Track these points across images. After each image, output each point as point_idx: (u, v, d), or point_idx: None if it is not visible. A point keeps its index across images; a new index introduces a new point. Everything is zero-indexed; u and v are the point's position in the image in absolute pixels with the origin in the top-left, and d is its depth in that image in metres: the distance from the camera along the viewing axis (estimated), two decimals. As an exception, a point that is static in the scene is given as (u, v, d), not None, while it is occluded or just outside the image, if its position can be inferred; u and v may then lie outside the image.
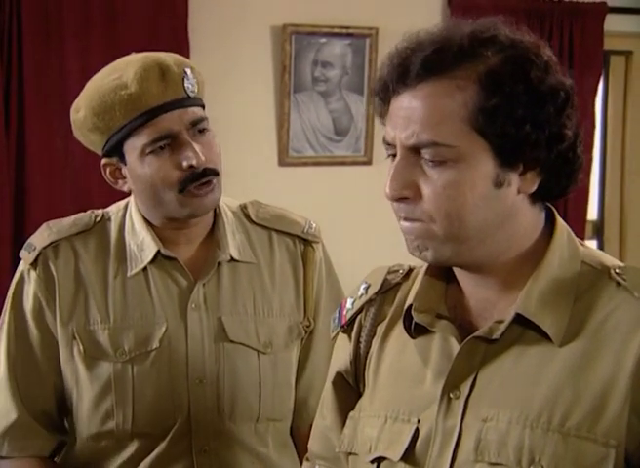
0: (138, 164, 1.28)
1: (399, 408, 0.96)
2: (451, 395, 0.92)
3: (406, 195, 0.90)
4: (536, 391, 0.89)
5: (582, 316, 0.90)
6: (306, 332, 1.39)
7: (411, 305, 0.97)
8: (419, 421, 0.93)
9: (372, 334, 1.03)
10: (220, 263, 1.34)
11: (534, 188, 0.91)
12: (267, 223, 1.41)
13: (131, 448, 1.30)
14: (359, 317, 1.05)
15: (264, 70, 2.88)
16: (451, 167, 0.88)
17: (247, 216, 1.41)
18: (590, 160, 2.87)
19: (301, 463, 1.43)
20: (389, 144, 0.93)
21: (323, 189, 2.98)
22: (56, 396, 1.34)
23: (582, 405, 0.86)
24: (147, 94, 1.25)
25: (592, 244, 3.38)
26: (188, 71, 1.29)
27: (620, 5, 3.12)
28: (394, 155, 0.92)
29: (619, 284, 0.91)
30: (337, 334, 1.08)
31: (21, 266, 1.35)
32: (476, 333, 0.92)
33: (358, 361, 1.04)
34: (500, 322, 0.91)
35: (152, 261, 1.32)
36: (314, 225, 1.44)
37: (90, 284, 1.32)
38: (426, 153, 0.89)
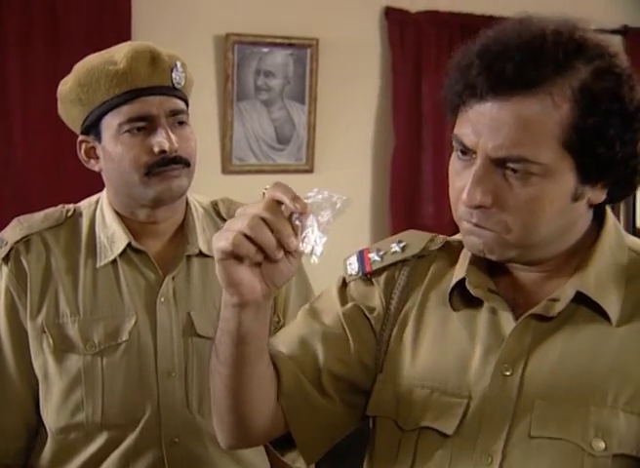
0: (111, 142, 1.29)
1: (447, 380, 0.96)
2: (506, 372, 0.93)
3: (485, 204, 0.89)
4: (594, 368, 0.91)
5: (636, 298, 0.93)
6: (275, 329, 1.41)
7: (463, 279, 0.98)
8: (470, 396, 0.94)
9: (406, 294, 1.03)
10: (189, 258, 1.36)
11: (603, 198, 0.94)
12: None
13: (100, 441, 1.30)
14: (390, 271, 1.04)
15: (208, 79, 2.91)
16: (535, 181, 0.88)
17: (218, 214, 1.43)
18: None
19: (269, 455, 1.44)
20: (464, 145, 0.91)
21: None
22: (32, 392, 1.33)
23: None
24: (134, 73, 1.27)
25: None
26: (178, 64, 1.32)
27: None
28: (463, 151, 0.91)
29: None
30: (352, 280, 1.05)
31: None
32: (533, 310, 0.94)
33: (388, 314, 1.02)
34: (554, 300, 0.94)
35: (122, 254, 1.34)
36: None
37: (60, 277, 1.32)
38: (514, 166, 0.88)
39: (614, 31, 3.37)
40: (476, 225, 0.92)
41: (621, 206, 3.54)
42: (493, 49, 0.89)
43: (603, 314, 0.93)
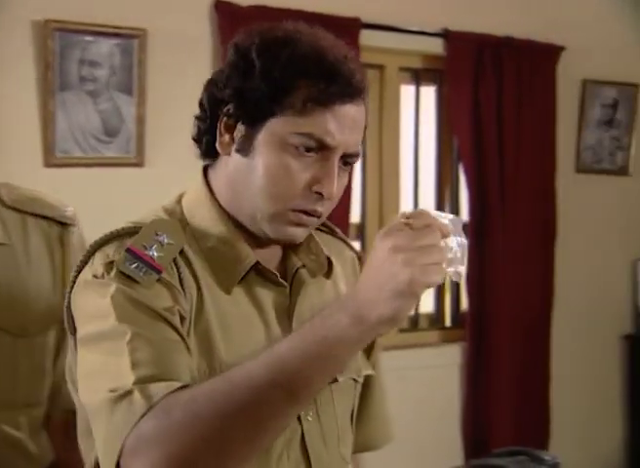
0: None
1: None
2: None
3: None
4: None
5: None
6: None
7: (257, 262, 1.08)
8: None
9: (196, 286, 1.04)
10: None
11: None
12: (21, 206, 1.37)
13: None
14: (174, 266, 1.03)
15: (26, 67, 2.76)
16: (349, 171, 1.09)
17: None
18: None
19: (56, 452, 1.39)
20: (321, 142, 1.03)
21: (93, 190, 2.91)
22: None
23: None
24: None
25: (357, 245, 3.62)
26: None
27: (372, 21, 3.37)
28: (309, 149, 1.03)
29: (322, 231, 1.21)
30: (145, 281, 0.99)
31: None
32: (306, 278, 1.12)
33: (191, 310, 1.02)
34: (304, 267, 1.13)
35: None
36: (70, 208, 1.43)
37: None
38: (352, 160, 1.07)
39: (435, 34, 3.53)
40: (314, 214, 1.04)
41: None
42: (336, 59, 1.05)
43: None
